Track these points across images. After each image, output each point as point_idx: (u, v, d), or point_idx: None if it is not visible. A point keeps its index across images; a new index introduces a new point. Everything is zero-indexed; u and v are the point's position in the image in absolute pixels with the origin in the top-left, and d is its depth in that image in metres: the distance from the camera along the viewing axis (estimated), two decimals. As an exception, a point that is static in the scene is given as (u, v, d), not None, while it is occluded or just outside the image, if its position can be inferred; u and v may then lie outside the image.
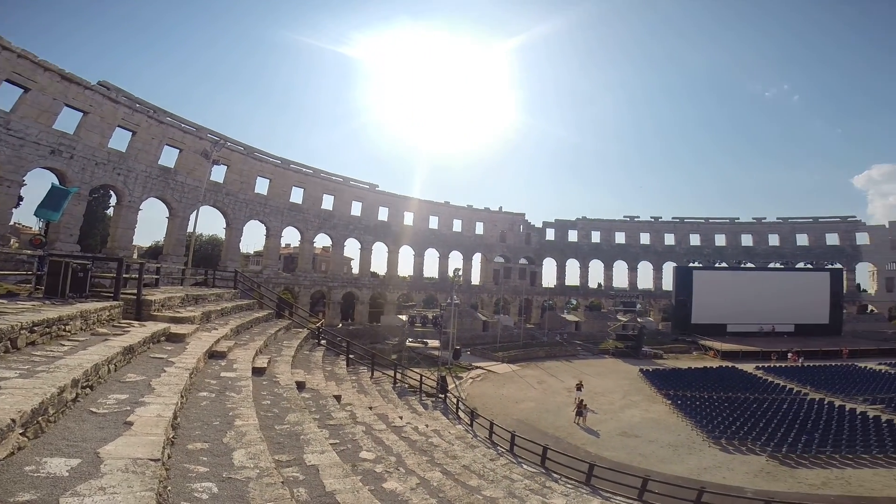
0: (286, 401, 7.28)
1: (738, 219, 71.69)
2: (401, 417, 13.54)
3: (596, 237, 73.08)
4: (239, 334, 11.84)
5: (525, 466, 15.20)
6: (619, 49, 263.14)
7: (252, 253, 72.66)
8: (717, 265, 66.31)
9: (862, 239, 66.72)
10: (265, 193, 47.98)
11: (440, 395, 23.10)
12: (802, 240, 69.17)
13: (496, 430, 18.74)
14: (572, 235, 73.14)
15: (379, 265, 68.36)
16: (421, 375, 21.58)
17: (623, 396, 30.72)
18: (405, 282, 65.88)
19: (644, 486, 13.55)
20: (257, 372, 8.76)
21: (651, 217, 73.44)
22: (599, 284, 73.96)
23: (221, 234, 49.12)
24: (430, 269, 72.60)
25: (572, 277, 73.25)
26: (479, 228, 70.09)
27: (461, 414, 21.99)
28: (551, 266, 73.42)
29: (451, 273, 63.29)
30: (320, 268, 67.98)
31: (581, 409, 24.72)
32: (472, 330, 57.22)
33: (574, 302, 75.14)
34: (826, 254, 67.16)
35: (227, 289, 18.34)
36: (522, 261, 72.09)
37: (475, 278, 71.59)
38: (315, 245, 58.17)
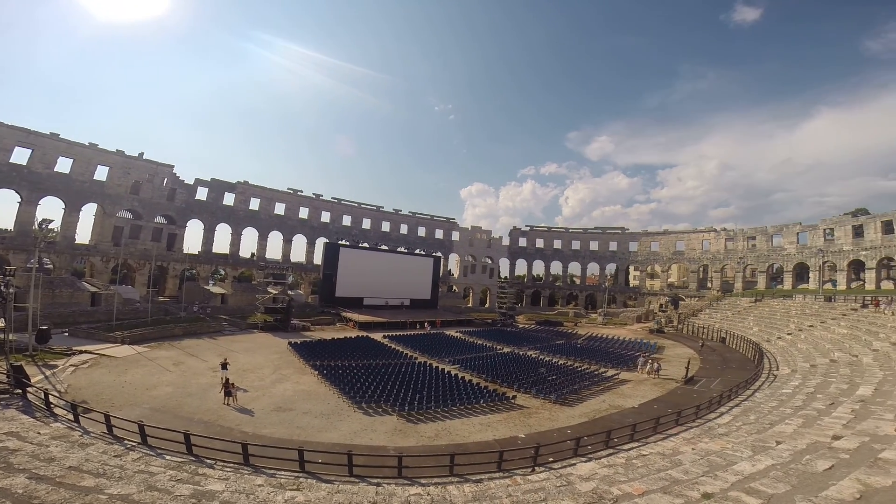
0: None
1: (383, 207, 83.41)
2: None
3: (255, 204, 68.81)
4: None
5: (168, 457, 12.85)
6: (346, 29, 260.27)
7: None
8: (360, 245, 74.79)
9: (455, 236, 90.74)
10: None
11: (15, 391, 15.92)
12: (422, 231, 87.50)
13: (121, 423, 14.76)
14: (229, 199, 66.11)
15: None
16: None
17: (274, 371, 29.86)
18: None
19: (302, 458, 13.26)
20: None
21: (313, 194, 75.52)
22: (253, 254, 70.12)
23: None
24: (4, 220, 50.47)
25: (222, 244, 66.43)
26: (102, 173, 53.56)
27: (58, 410, 15.97)
28: (198, 229, 64.12)
29: (37, 225, 45.74)
30: None
31: (229, 388, 22.26)
32: (74, 304, 42.96)
33: (222, 272, 68.37)
34: (434, 244, 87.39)
35: None
36: (160, 219, 59.55)
37: (83, 236, 54.34)
38: None
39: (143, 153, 57.01)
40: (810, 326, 40.00)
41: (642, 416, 21.30)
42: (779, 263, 67.89)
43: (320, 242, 73.25)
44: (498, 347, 45.81)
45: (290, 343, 39.38)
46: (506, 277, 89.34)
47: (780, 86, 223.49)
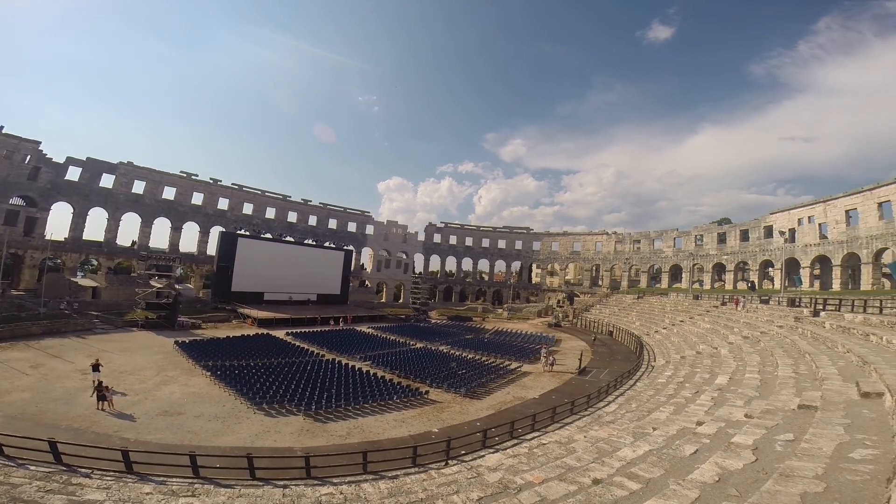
0: None
1: (290, 197, 79.04)
2: None
3: (140, 187, 61.19)
4: None
5: (32, 468, 11.31)
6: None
7: None
8: (262, 235, 69.06)
9: (370, 230, 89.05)
10: None
11: None
12: (333, 224, 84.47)
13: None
14: (108, 180, 58.05)
15: None
16: None
17: (158, 373, 27.11)
18: None
19: (195, 463, 12.26)
20: None
21: (211, 178, 69.03)
22: (134, 243, 62.27)
23: None
24: None
25: (96, 231, 58.19)
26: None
27: None
28: (65, 213, 55.53)
29: None
30: None
31: (103, 391, 19.76)
32: None
33: (95, 262, 59.86)
34: (346, 238, 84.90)
35: None
36: (17, 200, 50.46)
37: None
38: None
39: (2, 127, 47.97)
40: (681, 321, 45.74)
41: (542, 407, 22.75)
42: (658, 265, 76.79)
43: (216, 231, 67.04)
44: (411, 343, 45.98)
45: (176, 342, 35.76)
46: (420, 273, 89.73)
47: (676, 99, 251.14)
